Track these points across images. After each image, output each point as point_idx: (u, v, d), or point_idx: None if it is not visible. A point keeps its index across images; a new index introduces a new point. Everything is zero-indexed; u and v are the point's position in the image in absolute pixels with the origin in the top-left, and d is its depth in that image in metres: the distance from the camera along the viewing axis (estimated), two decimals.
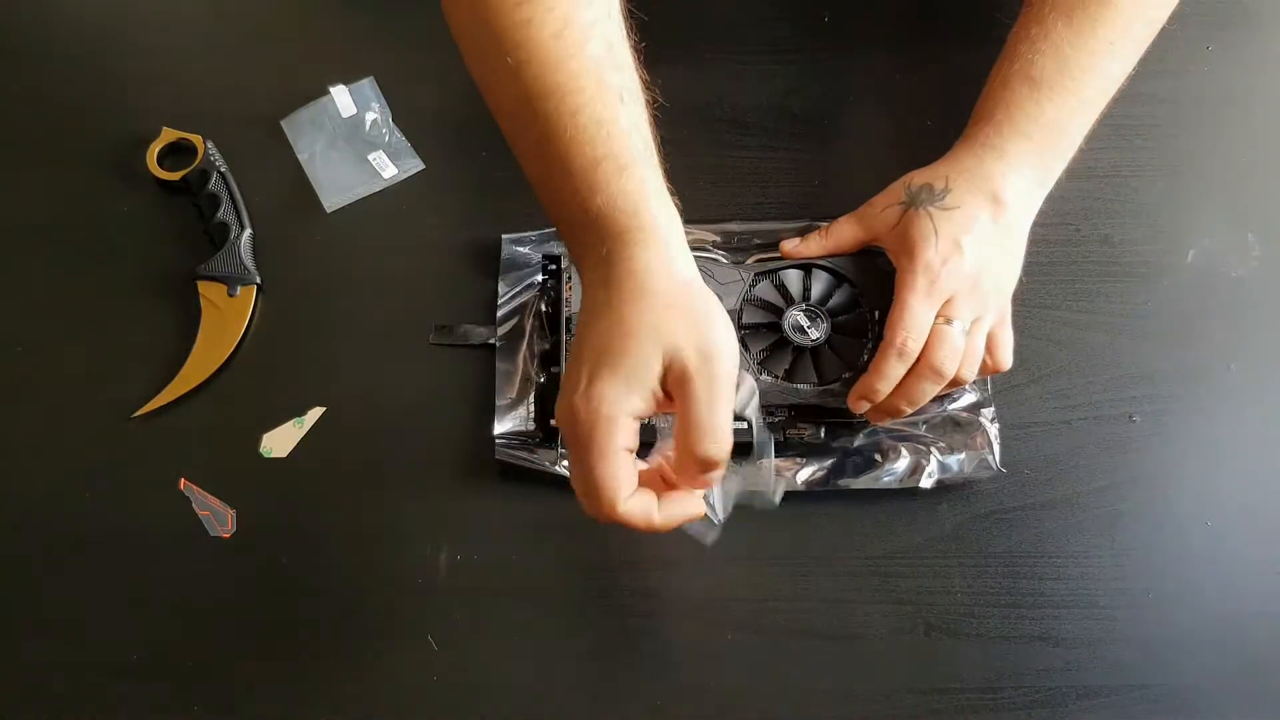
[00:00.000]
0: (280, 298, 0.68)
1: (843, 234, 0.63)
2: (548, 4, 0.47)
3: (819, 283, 0.64)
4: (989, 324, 0.59)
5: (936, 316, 0.58)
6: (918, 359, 0.57)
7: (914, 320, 0.57)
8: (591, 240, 0.49)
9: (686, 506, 0.49)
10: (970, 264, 0.58)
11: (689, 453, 0.47)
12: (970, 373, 0.59)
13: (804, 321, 0.63)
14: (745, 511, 0.63)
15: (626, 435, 0.47)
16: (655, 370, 0.47)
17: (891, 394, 0.58)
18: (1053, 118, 0.59)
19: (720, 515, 0.54)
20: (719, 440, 0.47)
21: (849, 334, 0.63)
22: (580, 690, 0.60)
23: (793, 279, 0.64)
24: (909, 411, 0.60)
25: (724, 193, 0.70)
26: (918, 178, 0.61)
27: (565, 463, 0.62)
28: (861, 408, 0.59)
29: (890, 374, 0.57)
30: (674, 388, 0.47)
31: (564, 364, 0.63)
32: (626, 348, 0.47)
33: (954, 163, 0.61)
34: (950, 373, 0.58)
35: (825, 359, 0.62)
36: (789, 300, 0.64)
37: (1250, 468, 0.64)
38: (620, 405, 0.46)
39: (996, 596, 0.61)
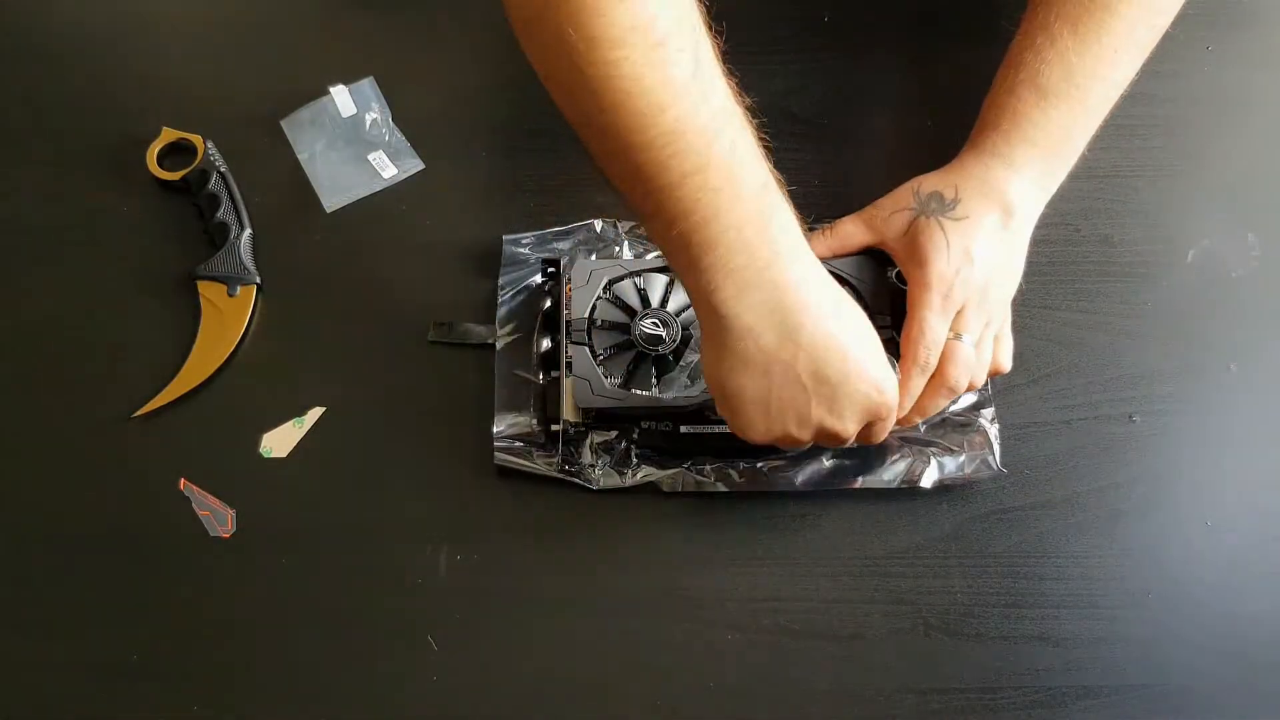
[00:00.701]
0: (280, 298, 0.68)
1: (848, 235, 0.63)
2: (677, 44, 0.47)
3: None
4: (994, 331, 0.60)
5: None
6: (933, 375, 0.58)
7: (933, 335, 0.58)
8: (755, 257, 0.50)
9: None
10: (980, 274, 0.58)
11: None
12: (979, 382, 0.60)
13: None
14: (745, 511, 0.63)
15: None
16: None
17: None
18: (1059, 125, 0.60)
19: None
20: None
21: None
22: (580, 690, 0.60)
23: None
24: (918, 421, 0.60)
25: None
26: (926, 185, 0.61)
27: (568, 466, 0.63)
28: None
29: (915, 391, 0.58)
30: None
31: (564, 366, 0.63)
32: (868, 333, 0.54)
33: (961, 170, 0.61)
34: (964, 388, 0.59)
35: None
36: None
37: (1250, 468, 0.64)
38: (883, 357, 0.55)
39: (996, 596, 0.61)
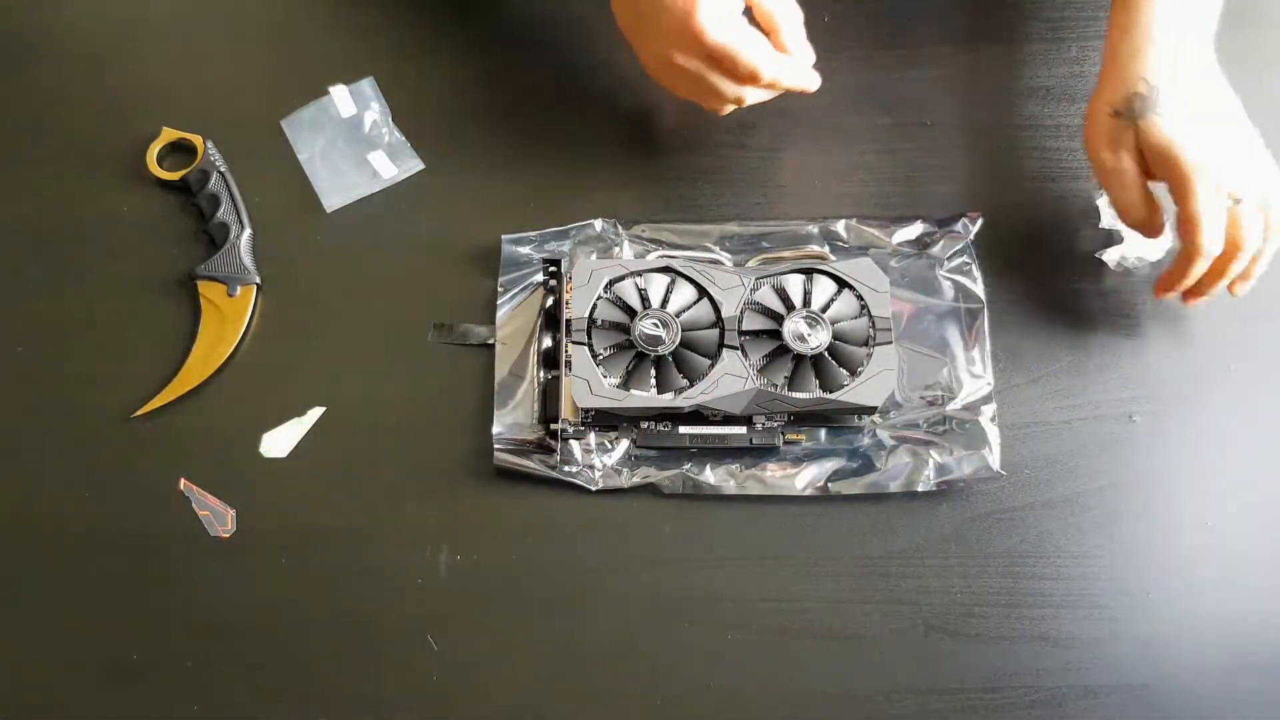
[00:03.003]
0: (280, 298, 0.68)
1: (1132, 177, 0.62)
2: None
3: (821, 288, 0.64)
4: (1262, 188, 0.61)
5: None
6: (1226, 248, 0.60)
7: (1210, 219, 0.59)
8: None
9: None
10: (1217, 139, 0.60)
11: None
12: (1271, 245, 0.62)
13: (804, 329, 0.62)
14: (744, 512, 0.63)
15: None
16: None
17: (1205, 278, 0.62)
18: None
19: None
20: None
21: (850, 341, 0.63)
22: (580, 690, 0.60)
23: (794, 284, 0.64)
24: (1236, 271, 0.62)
25: (724, 193, 0.70)
26: (1116, 98, 0.61)
27: (567, 467, 0.63)
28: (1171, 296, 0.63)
29: (1197, 271, 0.61)
30: None
31: (563, 365, 0.63)
32: None
33: (1121, 65, 0.61)
34: (1254, 248, 0.61)
35: (826, 367, 0.62)
36: (790, 306, 0.64)
37: (1250, 468, 0.64)
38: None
39: (996, 596, 0.61)
